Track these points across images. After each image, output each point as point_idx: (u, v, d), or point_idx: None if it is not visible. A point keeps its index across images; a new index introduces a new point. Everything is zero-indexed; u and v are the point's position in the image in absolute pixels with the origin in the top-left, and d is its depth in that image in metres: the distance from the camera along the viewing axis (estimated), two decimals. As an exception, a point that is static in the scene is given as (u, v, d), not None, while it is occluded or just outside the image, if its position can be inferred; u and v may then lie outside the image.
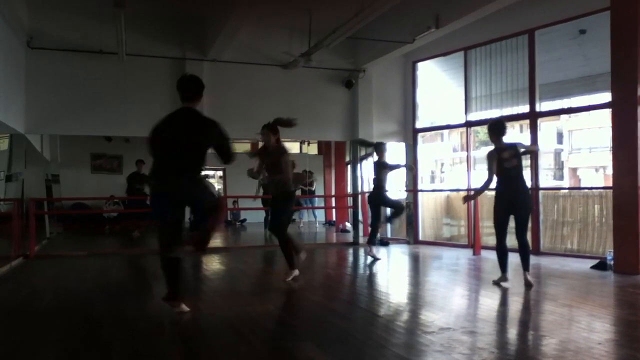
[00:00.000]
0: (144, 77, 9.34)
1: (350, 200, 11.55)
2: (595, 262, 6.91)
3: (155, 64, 9.36)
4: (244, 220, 15.65)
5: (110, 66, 9.02)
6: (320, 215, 15.50)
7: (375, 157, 8.44)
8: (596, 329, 4.05)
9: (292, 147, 17.86)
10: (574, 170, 29.23)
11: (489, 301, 5.21)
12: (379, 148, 8.30)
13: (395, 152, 11.73)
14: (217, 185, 18.27)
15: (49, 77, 8.86)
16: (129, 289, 6.11)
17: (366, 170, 11.38)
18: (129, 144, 14.74)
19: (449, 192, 10.89)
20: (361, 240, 10.41)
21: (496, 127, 5.81)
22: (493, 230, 5.92)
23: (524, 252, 5.66)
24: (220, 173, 17.79)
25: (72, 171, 14.32)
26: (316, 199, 14.07)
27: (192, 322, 4.32)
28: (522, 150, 5.75)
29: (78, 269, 7.49)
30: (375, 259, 8.01)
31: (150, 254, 9.12)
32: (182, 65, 9.46)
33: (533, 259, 6.55)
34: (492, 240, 8.93)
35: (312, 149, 17.91)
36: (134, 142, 14.57)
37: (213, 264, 8.05)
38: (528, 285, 5.51)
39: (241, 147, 17.83)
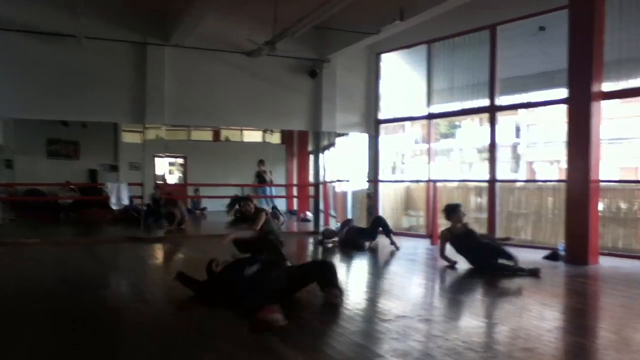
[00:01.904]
0: (103, 61, 9.11)
1: (311, 190, 11.57)
2: (547, 252, 7.13)
3: (115, 48, 9.12)
4: (205, 208, 15.49)
5: (67, 49, 8.74)
6: (282, 204, 15.48)
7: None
8: (546, 317, 4.20)
9: (255, 135, 17.85)
10: (530, 164, 30.00)
11: (445, 290, 5.32)
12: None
13: (358, 142, 11.84)
14: (178, 173, 18.05)
15: (2, 58, 8.54)
16: (88, 280, 5.96)
17: (328, 161, 11.47)
18: (86, 129, 14.39)
19: (409, 183, 11.02)
20: (322, 229, 10.44)
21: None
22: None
23: None
24: (181, 160, 17.56)
25: (27, 156, 13.88)
26: (273, 189, 14.03)
27: (150, 316, 4.24)
28: None
29: (33, 257, 7.30)
30: None
31: (106, 243, 8.98)
32: (143, 50, 9.27)
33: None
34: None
35: (275, 138, 17.87)
36: (92, 128, 14.24)
37: (173, 253, 7.97)
38: None
39: (203, 134, 17.68)
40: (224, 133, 17.68)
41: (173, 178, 18.05)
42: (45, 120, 12.23)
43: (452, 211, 6.49)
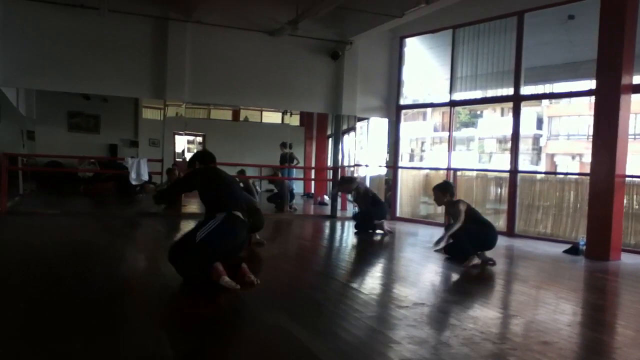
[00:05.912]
0: (125, 35, 9.09)
1: (330, 174, 11.52)
2: (567, 246, 7.02)
3: (137, 22, 9.10)
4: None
5: (90, 21, 8.74)
6: (299, 187, 15.44)
7: None
8: (565, 311, 4.12)
9: (274, 117, 17.78)
10: (551, 156, 29.63)
11: (462, 279, 5.26)
12: None
13: (378, 127, 11.75)
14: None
15: (25, 28, 8.55)
16: (101, 250, 6.01)
17: (347, 145, 11.39)
18: (107, 103, 14.45)
19: (428, 171, 10.91)
20: (339, 213, 10.42)
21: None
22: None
23: None
24: (199, 139, 17.58)
25: (48, 128, 14.01)
26: (294, 171, 13.92)
27: (163, 288, 4.24)
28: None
29: (49, 226, 7.38)
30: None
31: (125, 217, 9.04)
32: (165, 25, 9.23)
33: (506, 241, 6.68)
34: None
35: (294, 120, 17.77)
36: (113, 102, 14.28)
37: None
38: None
39: (223, 113, 17.65)
40: (244, 113, 17.63)
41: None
42: (67, 93, 12.30)
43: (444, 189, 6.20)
